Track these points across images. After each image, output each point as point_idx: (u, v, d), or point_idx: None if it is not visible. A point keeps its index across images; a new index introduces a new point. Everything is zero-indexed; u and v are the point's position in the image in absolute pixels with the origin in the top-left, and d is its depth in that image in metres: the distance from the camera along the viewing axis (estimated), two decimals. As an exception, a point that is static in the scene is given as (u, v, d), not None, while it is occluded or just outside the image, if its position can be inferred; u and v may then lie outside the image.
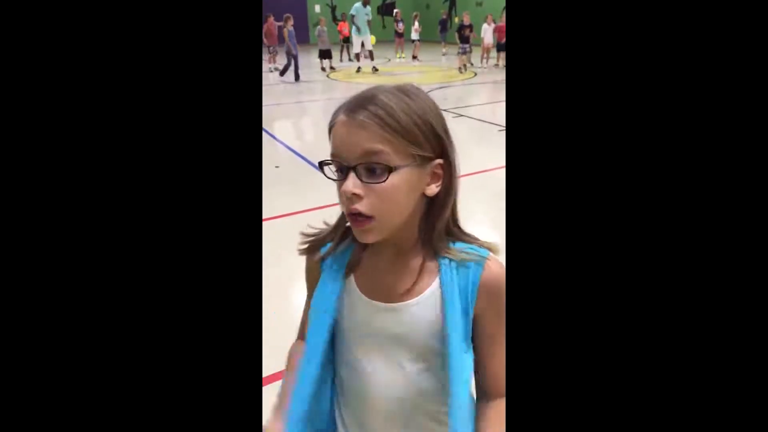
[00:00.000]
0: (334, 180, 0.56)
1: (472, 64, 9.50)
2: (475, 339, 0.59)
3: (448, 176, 0.57)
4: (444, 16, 12.21)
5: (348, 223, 0.61)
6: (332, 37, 11.94)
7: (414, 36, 11.58)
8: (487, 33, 10.03)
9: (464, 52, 9.08)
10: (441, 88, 7.63)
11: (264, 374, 1.61)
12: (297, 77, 8.33)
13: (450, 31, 16.50)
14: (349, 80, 8.73)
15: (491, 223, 2.77)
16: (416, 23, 11.67)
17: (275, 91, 7.48)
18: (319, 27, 9.30)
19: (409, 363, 0.60)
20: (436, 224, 0.58)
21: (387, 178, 0.51)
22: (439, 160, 0.55)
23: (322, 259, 0.64)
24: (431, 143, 0.54)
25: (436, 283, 0.58)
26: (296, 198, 3.29)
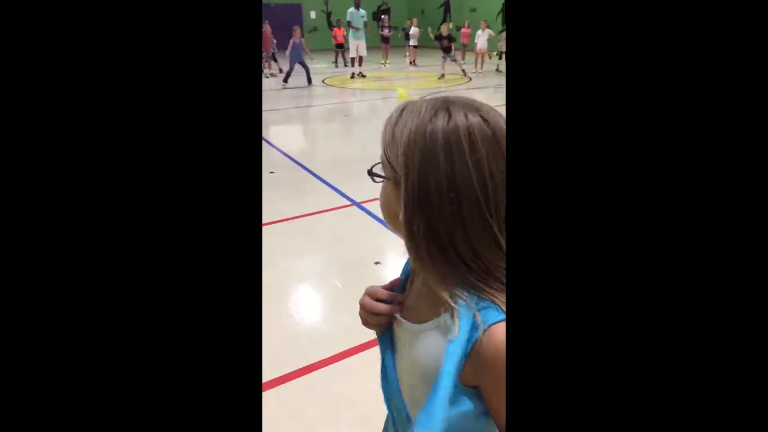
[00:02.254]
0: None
1: (464, 72, 9.56)
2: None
3: (423, 213, 0.50)
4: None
5: None
6: (328, 43, 11.98)
7: (412, 42, 11.62)
8: (481, 38, 10.11)
9: (449, 60, 9.34)
10: (436, 93, 7.65)
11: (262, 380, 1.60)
12: (309, 81, 8.68)
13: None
14: (344, 86, 8.76)
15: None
16: (413, 28, 11.71)
17: (270, 97, 7.49)
18: (292, 39, 8.61)
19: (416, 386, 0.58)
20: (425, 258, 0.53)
21: (374, 179, 0.56)
22: (405, 187, 0.51)
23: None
24: (402, 168, 0.50)
25: (439, 321, 0.54)
26: (292, 203, 3.29)
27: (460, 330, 0.50)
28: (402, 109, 0.54)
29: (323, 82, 9.27)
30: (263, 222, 2.82)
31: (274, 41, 9.90)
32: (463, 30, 11.66)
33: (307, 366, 1.78)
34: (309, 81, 8.70)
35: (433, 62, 12.35)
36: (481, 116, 0.50)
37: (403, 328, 0.60)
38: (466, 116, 0.50)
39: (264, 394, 1.58)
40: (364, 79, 9.41)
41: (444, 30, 9.63)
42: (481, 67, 10.26)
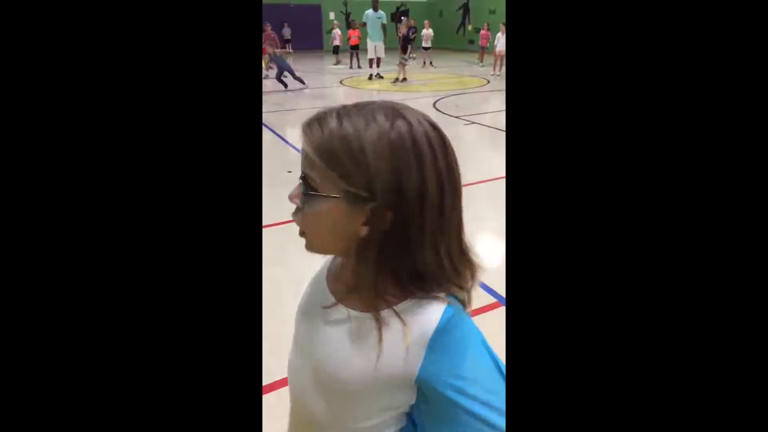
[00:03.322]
0: None
1: (398, 79, 9.13)
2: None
3: (396, 224, 0.48)
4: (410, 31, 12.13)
5: None
6: (346, 43, 12.06)
7: (425, 44, 11.57)
8: (500, 41, 10.04)
9: (401, 62, 8.84)
10: (454, 95, 7.63)
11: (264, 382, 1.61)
12: (300, 81, 8.31)
13: (463, 38, 16.52)
14: (362, 87, 8.78)
15: (503, 230, 2.75)
16: (425, 30, 11.65)
17: (288, 97, 7.55)
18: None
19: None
20: (364, 269, 0.51)
21: (309, 202, 0.49)
22: (389, 210, 0.47)
23: None
24: (375, 187, 0.46)
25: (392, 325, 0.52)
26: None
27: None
28: (335, 116, 0.48)
29: (341, 83, 9.30)
30: (280, 221, 2.84)
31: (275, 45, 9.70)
32: (482, 32, 11.59)
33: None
34: (285, 85, 8.05)
35: (447, 64, 12.30)
36: (429, 122, 0.50)
37: (340, 314, 0.55)
38: (420, 122, 0.49)
39: (266, 396, 1.58)
40: (382, 81, 9.42)
41: (403, 29, 9.32)
42: (500, 70, 10.19)
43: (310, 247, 0.53)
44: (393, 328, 0.51)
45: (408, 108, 0.51)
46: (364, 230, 0.49)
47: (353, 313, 0.54)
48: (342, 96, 7.96)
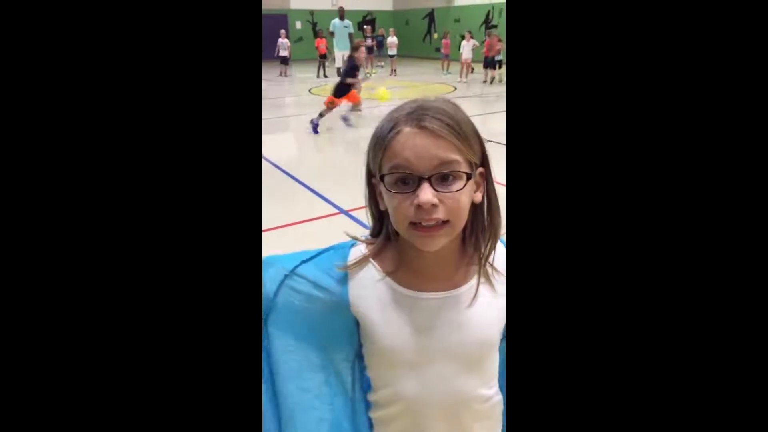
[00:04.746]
0: (393, 192, 0.54)
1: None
2: None
3: (488, 184, 0.59)
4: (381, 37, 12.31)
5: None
6: (313, 53, 12.05)
7: (391, 51, 11.69)
8: (466, 49, 10.24)
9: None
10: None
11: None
12: None
13: (429, 46, 16.78)
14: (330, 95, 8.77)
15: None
16: (390, 38, 11.75)
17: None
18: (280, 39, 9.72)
19: (465, 355, 0.60)
20: (479, 233, 0.59)
21: (465, 186, 0.53)
22: (481, 169, 0.57)
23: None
24: (478, 152, 0.56)
25: (474, 277, 0.60)
26: (280, 212, 3.28)
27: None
28: (435, 108, 0.53)
29: (310, 91, 9.27)
30: (270, 227, 2.80)
31: None
32: (443, 41, 11.81)
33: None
34: None
35: (414, 71, 12.45)
36: None
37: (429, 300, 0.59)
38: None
39: None
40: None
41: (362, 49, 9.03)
42: (467, 77, 10.39)
43: (450, 234, 0.55)
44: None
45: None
46: (478, 196, 0.58)
47: (467, 285, 0.60)
48: (309, 104, 7.95)
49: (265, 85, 9.56)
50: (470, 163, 0.54)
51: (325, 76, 11.10)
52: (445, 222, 0.53)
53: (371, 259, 0.62)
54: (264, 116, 6.70)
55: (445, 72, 11.57)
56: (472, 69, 10.49)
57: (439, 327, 0.59)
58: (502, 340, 0.63)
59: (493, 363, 0.64)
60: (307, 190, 3.82)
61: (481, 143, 0.57)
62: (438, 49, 12.09)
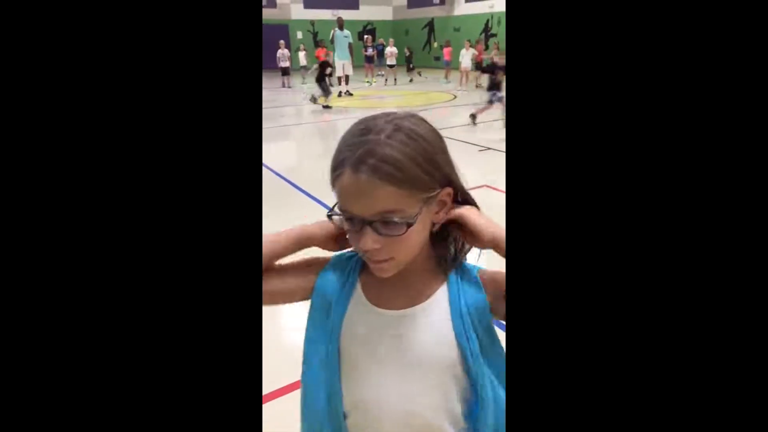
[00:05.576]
0: (346, 226, 0.55)
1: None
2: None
3: (455, 194, 0.58)
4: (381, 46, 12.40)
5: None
6: (315, 62, 12.11)
7: (389, 61, 11.72)
8: (465, 58, 10.32)
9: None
10: (421, 110, 7.76)
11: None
12: None
13: (429, 55, 16.88)
14: (332, 104, 8.82)
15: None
16: (389, 48, 11.76)
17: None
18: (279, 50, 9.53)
19: (421, 374, 0.59)
20: (447, 248, 0.60)
21: (406, 231, 0.51)
22: (447, 190, 0.56)
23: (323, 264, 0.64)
24: (438, 180, 0.54)
25: (443, 288, 0.60)
26: (280, 219, 3.29)
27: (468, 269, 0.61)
28: (381, 148, 0.50)
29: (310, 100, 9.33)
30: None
31: None
32: (445, 49, 11.89)
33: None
34: None
35: (407, 81, 12.51)
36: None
37: (391, 317, 0.59)
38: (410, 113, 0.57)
39: (266, 404, 1.56)
40: (351, 98, 9.50)
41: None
42: (466, 85, 10.45)
43: (396, 267, 0.55)
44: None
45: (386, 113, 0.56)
46: (440, 216, 0.57)
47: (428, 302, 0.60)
48: (309, 113, 7.98)
49: (265, 93, 9.61)
50: (424, 200, 0.53)
51: (330, 84, 11.17)
52: (389, 259, 0.54)
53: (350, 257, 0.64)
54: (264, 125, 6.74)
55: (445, 81, 11.64)
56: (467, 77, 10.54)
57: (391, 341, 0.59)
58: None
59: (457, 394, 0.59)
60: (307, 197, 3.83)
61: (442, 170, 0.54)
62: (438, 58, 12.16)
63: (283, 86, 11.35)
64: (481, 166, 4.35)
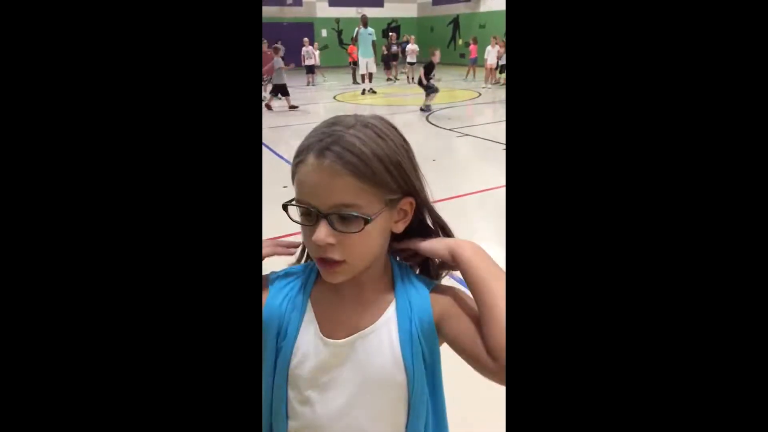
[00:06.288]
0: (298, 223, 0.53)
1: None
2: (457, 343, 0.56)
3: (417, 211, 0.56)
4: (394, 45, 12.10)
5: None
6: (338, 60, 12.12)
7: (410, 59, 11.57)
8: (491, 54, 10.19)
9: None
10: (446, 108, 7.71)
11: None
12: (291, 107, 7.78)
13: (454, 52, 16.76)
14: (355, 102, 8.86)
15: (495, 239, 2.77)
16: (410, 45, 11.48)
17: (282, 113, 7.60)
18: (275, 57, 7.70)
19: (370, 399, 0.57)
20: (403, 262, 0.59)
21: (362, 228, 0.50)
22: (409, 199, 0.55)
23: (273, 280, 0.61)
24: (400, 185, 0.53)
25: (392, 308, 0.57)
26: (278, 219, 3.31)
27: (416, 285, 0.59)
28: (346, 139, 0.49)
29: (334, 98, 9.38)
30: (280, 235, 2.85)
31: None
32: (471, 47, 11.77)
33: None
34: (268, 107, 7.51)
35: (438, 77, 12.44)
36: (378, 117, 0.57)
37: (340, 345, 0.57)
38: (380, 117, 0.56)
39: None
40: (375, 96, 9.51)
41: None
42: (491, 82, 10.33)
43: (349, 272, 0.53)
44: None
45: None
46: (399, 226, 0.56)
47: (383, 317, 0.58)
48: (333, 111, 8.02)
49: (291, 92, 9.71)
50: (384, 201, 0.51)
51: (354, 82, 11.20)
52: (341, 261, 0.51)
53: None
54: (289, 123, 6.81)
55: (468, 78, 11.53)
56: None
57: (341, 370, 0.57)
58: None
59: (404, 416, 0.58)
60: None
61: (406, 176, 0.53)
62: (463, 55, 12.04)
63: (308, 84, 11.42)
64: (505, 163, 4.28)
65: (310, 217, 0.51)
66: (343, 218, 0.50)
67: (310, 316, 0.59)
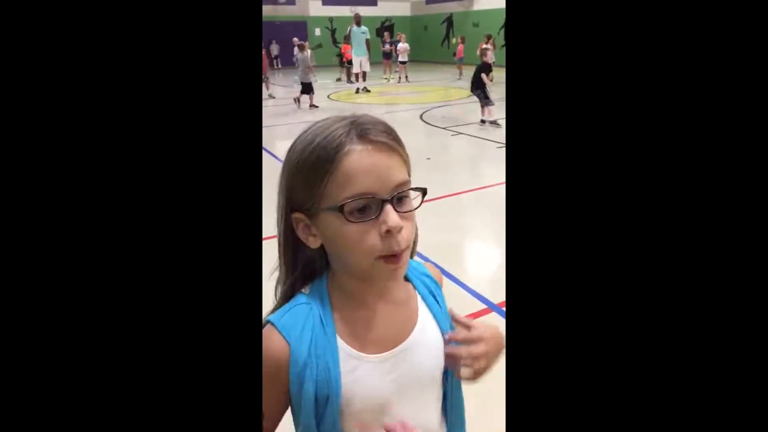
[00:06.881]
0: (353, 222, 0.46)
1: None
2: None
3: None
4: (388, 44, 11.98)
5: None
6: (332, 59, 12.07)
7: (402, 58, 11.35)
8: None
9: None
10: (440, 107, 7.72)
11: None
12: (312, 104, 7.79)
13: (447, 51, 16.76)
14: (349, 101, 8.84)
15: (491, 237, 2.79)
16: (401, 44, 11.26)
17: (276, 111, 7.57)
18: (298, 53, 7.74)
19: (420, 392, 0.55)
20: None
21: (421, 203, 0.47)
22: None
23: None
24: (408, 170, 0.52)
25: (418, 299, 0.57)
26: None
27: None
28: (382, 124, 0.49)
29: (328, 97, 9.35)
30: (270, 235, 2.85)
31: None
32: (459, 47, 11.77)
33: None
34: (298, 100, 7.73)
35: (432, 77, 12.43)
36: None
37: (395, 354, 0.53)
38: None
39: None
40: (369, 94, 9.50)
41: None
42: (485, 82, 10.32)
43: (407, 262, 0.49)
44: None
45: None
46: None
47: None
48: (328, 110, 8.02)
49: (282, 91, 9.67)
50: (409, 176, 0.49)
51: (349, 81, 11.16)
52: (405, 248, 0.47)
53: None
54: (285, 122, 6.79)
55: (459, 77, 11.52)
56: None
57: (393, 384, 0.52)
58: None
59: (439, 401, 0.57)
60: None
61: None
62: (455, 54, 12.04)
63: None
64: (499, 163, 4.32)
65: (370, 210, 0.46)
66: (400, 200, 0.47)
67: (345, 353, 0.51)
